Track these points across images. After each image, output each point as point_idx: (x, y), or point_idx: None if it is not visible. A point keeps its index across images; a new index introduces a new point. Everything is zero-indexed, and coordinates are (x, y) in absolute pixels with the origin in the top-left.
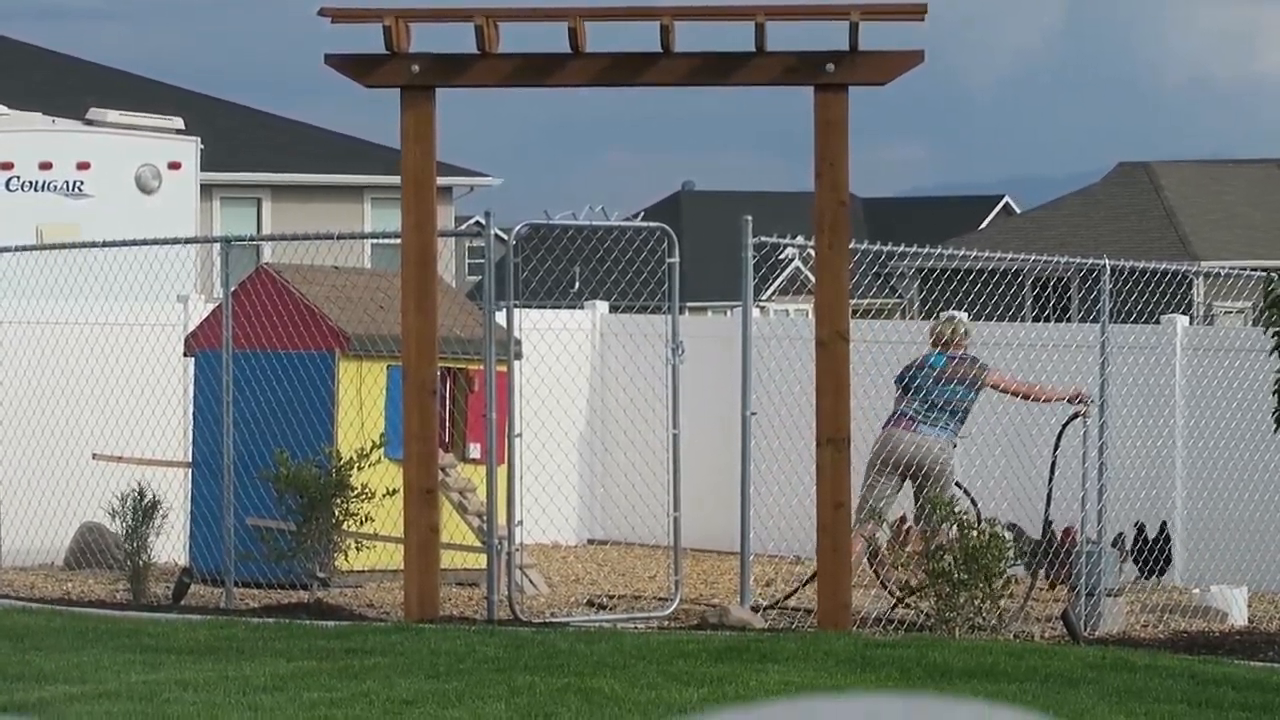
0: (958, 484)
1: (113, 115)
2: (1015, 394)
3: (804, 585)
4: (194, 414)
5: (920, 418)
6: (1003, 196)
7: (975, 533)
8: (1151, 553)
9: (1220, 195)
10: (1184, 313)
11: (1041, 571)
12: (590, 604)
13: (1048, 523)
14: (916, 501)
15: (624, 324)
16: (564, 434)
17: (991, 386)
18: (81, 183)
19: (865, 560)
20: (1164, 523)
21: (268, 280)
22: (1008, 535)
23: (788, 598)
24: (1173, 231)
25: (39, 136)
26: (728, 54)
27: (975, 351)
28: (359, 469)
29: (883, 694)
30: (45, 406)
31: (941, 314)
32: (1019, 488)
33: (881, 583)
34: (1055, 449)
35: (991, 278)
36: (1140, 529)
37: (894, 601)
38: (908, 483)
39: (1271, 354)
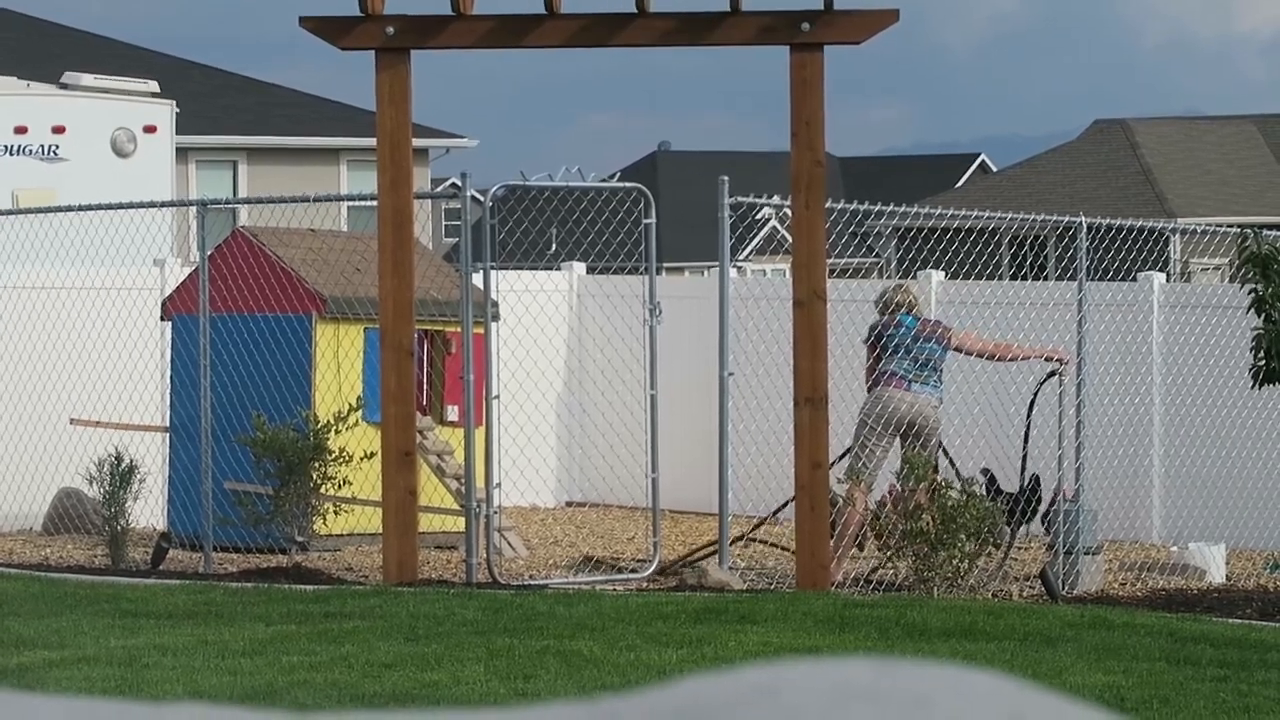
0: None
1: (88, 79)
2: (981, 354)
3: (702, 550)
4: (171, 378)
5: (912, 376)
6: (979, 155)
7: (953, 492)
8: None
9: (1197, 153)
10: (1161, 270)
11: (1020, 527)
12: (589, 559)
13: (1022, 478)
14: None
15: (601, 285)
16: (542, 396)
17: (956, 348)
18: (57, 147)
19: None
20: (1035, 475)
21: (244, 243)
22: (981, 479)
23: (687, 560)
24: (1149, 189)
25: (13, 100)
26: (703, 14)
27: (954, 311)
28: (336, 432)
29: (857, 658)
30: (22, 371)
31: (900, 280)
32: (997, 447)
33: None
34: (1030, 407)
35: (968, 236)
36: (991, 479)
37: (875, 563)
38: (897, 442)
39: (1248, 311)
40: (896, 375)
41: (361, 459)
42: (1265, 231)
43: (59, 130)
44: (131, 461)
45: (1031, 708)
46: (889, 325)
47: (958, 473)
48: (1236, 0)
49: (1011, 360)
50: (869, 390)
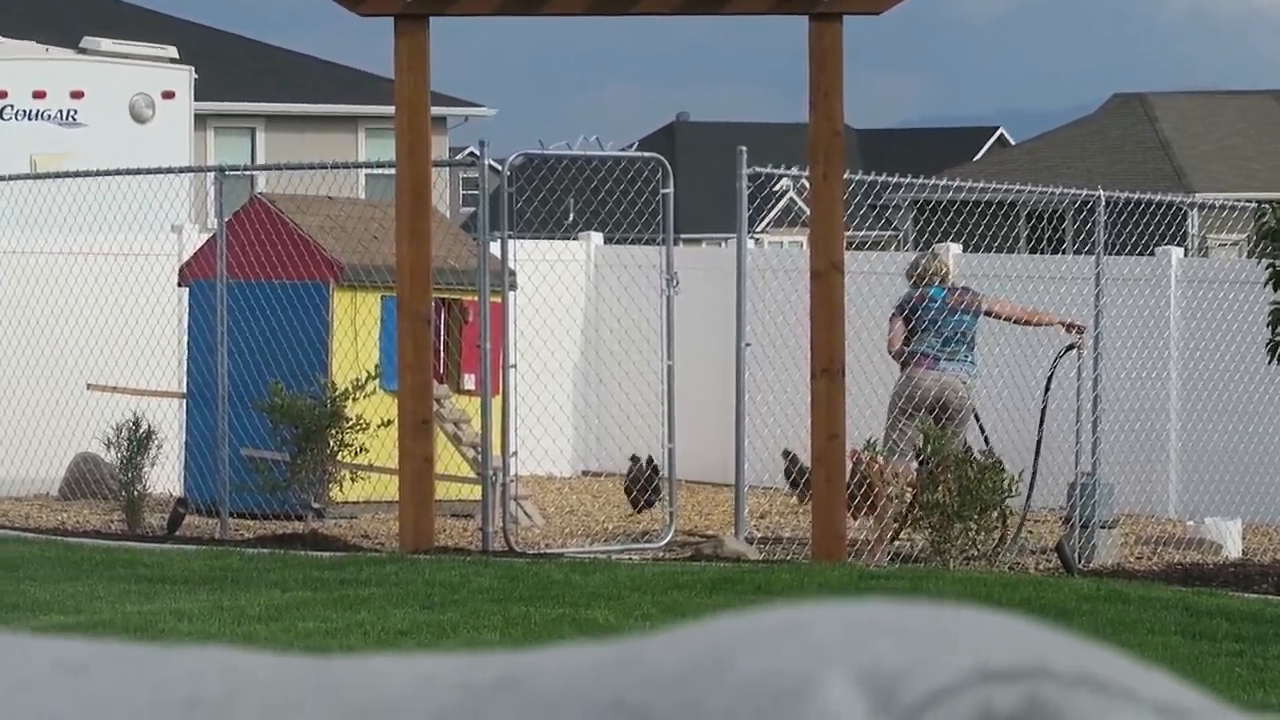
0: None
1: (106, 44)
2: (1010, 318)
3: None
4: (188, 344)
5: (939, 353)
6: (997, 128)
7: (971, 466)
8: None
9: (1216, 127)
10: (1179, 245)
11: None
12: (622, 530)
13: (1037, 452)
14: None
15: (619, 255)
16: (558, 365)
17: (987, 313)
18: (75, 112)
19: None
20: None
21: (262, 210)
22: (782, 461)
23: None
24: (1168, 163)
25: (33, 65)
26: None
27: (971, 285)
28: (353, 400)
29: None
30: (40, 337)
31: (923, 251)
32: (1017, 418)
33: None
34: (1048, 381)
35: (986, 209)
36: (791, 459)
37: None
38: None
39: (1265, 285)
40: (925, 355)
41: (378, 426)
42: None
43: (77, 95)
44: (149, 427)
45: (1054, 648)
46: (919, 301)
47: (989, 447)
48: None
49: (1037, 325)
50: (900, 370)
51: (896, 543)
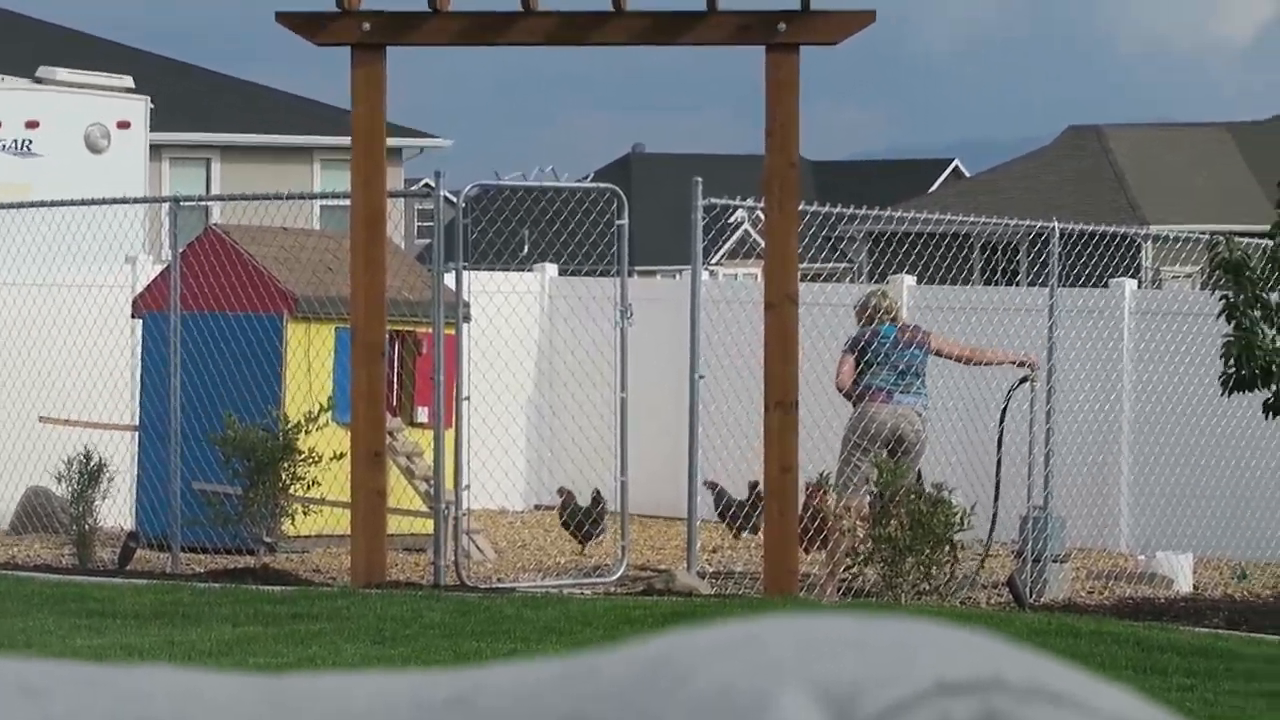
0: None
1: (62, 74)
2: (958, 358)
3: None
4: (141, 376)
5: (893, 386)
6: (952, 160)
7: (920, 498)
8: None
9: (1170, 159)
10: (1132, 276)
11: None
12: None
13: (997, 488)
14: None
15: (573, 287)
16: (512, 397)
17: (936, 352)
18: (30, 141)
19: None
20: (754, 482)
21: (216, 241)
22: (709, 491)
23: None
24: (1122, 195)
25: None
26: (679, 13)
27: (925, 317)
28: (306, 432)
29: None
30: None
31: (875, 286)
32: (971, 452)
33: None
34: (1002, 413)
35: (940, 241)
36: (718, 492)
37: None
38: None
39: (1218, 317)
40: (880, 389)
41: (331, 459)
42: (1236, 239)
43: (32, 125)
44: (100, 460)
45: (1008, 661)
46: (870, 338)
47: (919, 479)
48: (1209, 9)
49: (985, 364)
50: (853, 405)
51: (847, 576)
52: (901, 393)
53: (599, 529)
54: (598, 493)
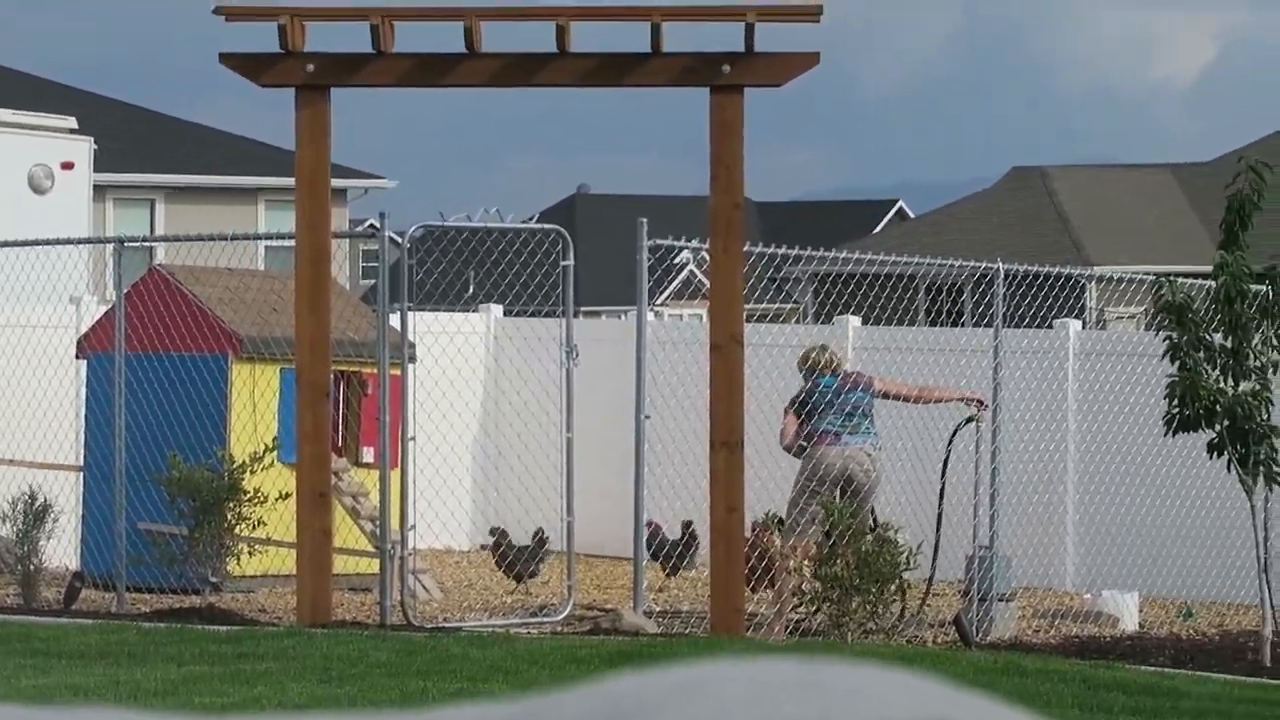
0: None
1: (5, 114)
2: (906, 398)
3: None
4: (86, 417)
5: (840, 429)
6: (897, 201)
7: (869, 538)
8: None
9: (1114, 200)
10: (1077, 317)
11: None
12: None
13: (938, 527)
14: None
15: (518, 327)
16: (457, 438)
17: (882, 394)
18: None
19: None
20: (689, 522)
21: (160, 282)
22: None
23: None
24: (1066, 236)
25: None
26: (624, 54)
27: (870, 357)
28: (251, 472)
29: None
30: None
31: (810, 341)
32: (918, 491)
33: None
34: (947, 451)
35: (886, 282)
36: (655, 530)
37: (789, 607)
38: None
39: (1162, 358)
40: (827, 432)
41: (276, 499)
42: (1180, 280)
43: None
44: (45, 500)
45: (957, 706)
46: (813, 389)
47: (875, 521)
48: (1153, 51)
49: (934, 402)
50: (800, 452)
51: (794, 616)
52: (849, 434)
53: (533, 568)
54: (540, 531)
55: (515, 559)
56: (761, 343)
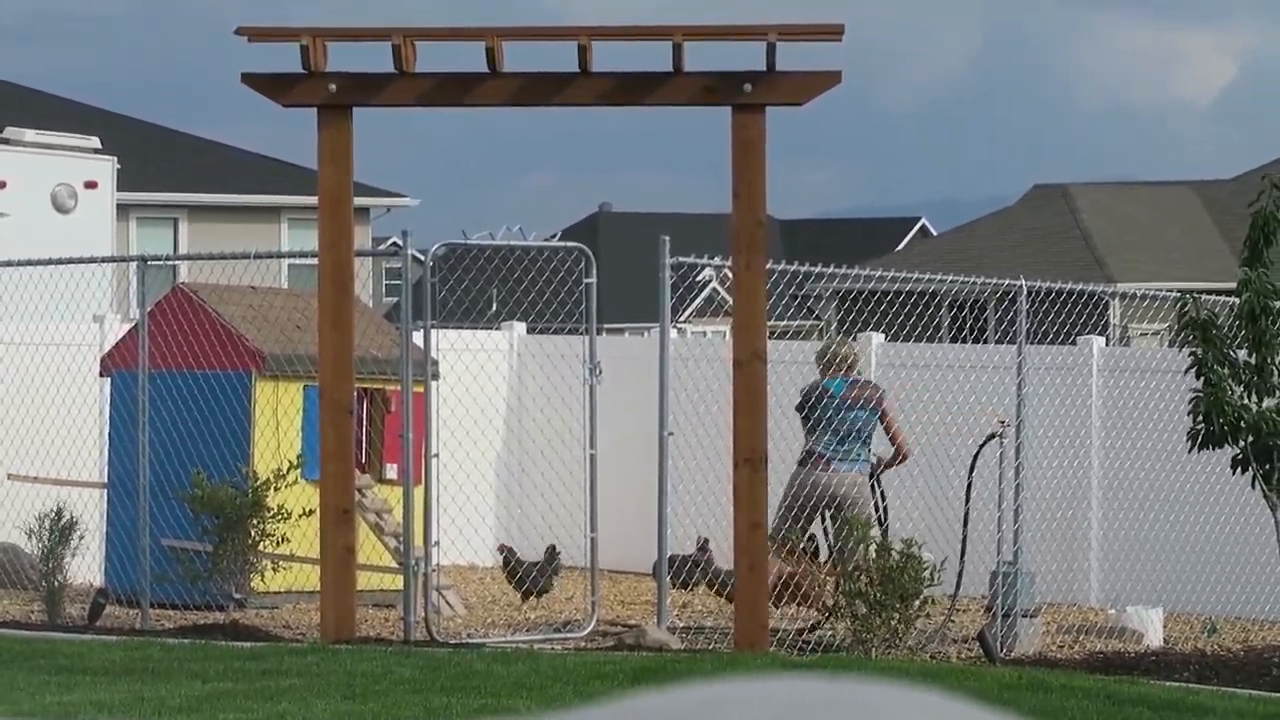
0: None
1: (29, 134)
2: (891, 436)
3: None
4: (110, 434)
5: (833, 454)
6: (919, 219)
7: (893, 554)
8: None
9: (1135, 217)
10: (1100, 334)
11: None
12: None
13: (964, 542)
14: (835, 529)
15: (541, 345)
16: (481, 455)
17: (883, 424)
18: None
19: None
20: (703, 538)
21: (184, 300)
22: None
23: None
24: (1089, 253)
25: None
26: (645, 74)
27: (894, 374)
28: (275, 490)
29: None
30: None
31: (831, 336)
32: (937, 509)
33: (805, 602)
34: (971, 470)
35: (908, 299)
36: (552, 551)
37: (812, 623)
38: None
39: (1185, 373)
40: (821, 456)
41: (300, 516)
42: (1204, 296)
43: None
44: (70, 517)
45: None
46: (820, 395)
47: (885, 534)
48: (1173, 68)
49: (896, 454)
50: (798, 464)
51: (796, 622)
52: (840, 460)
53: (541, 584)
54: (552, 548)
55: (524, 575)
56: (783, 360)
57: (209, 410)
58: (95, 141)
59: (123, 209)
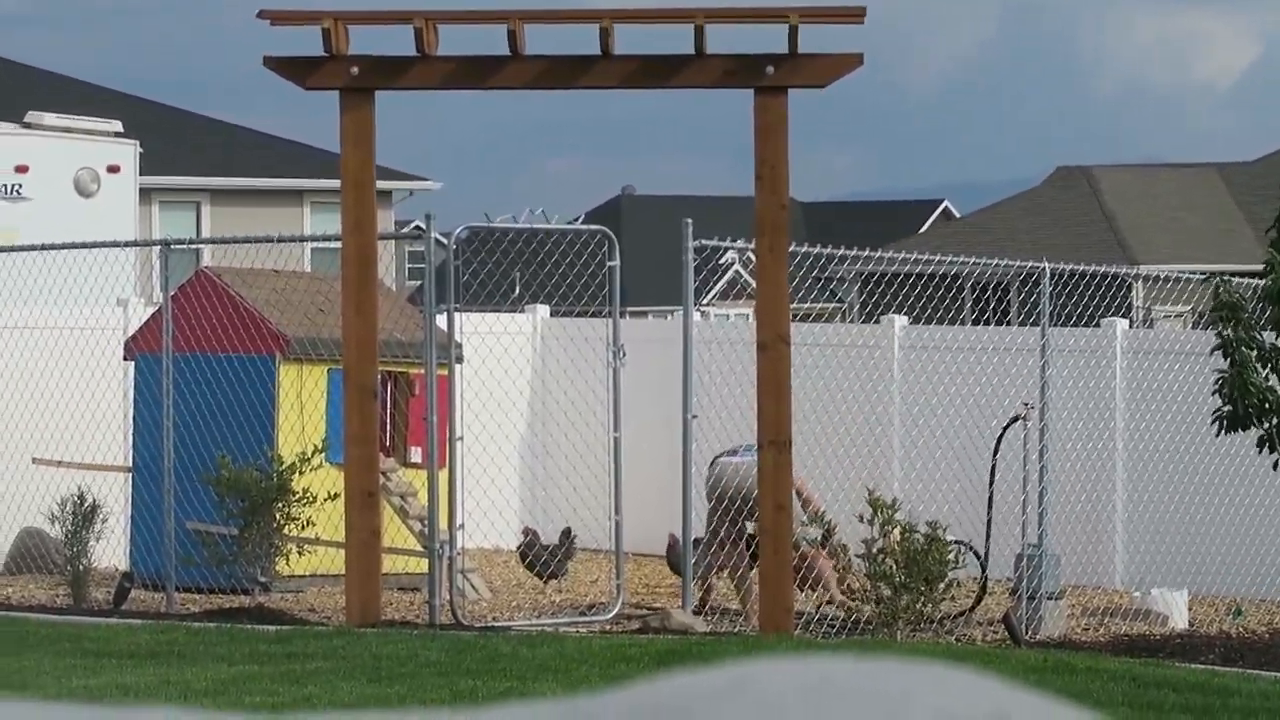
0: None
1: (51, 118)
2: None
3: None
4: (134, 418)
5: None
6: (942, 201)
7: (920, 536)
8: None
9: (1158, 199)
10: (1124, 316)
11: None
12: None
13: (988, 524)
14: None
15: (565, 327)
16: (505, 437)
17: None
18: (20, 186)
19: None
20: (568, 528)
21: (207, 283)
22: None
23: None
24: (1111, 235)
25: None
26: (667, 56)
27: (916, 357)
28: (300, 473)
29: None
30: None
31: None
32: (961, 492)
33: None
34: (995, 452)
35: (931, 281)
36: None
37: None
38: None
39: (1212, 354)
40: (733, 451)
41: (325, 500)
42: (1231, 279)
43: (22, 170)
44: (94, 501)
45: (1015, 705)
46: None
47: (826, 525)
48: (1195, 51)
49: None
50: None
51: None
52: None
53: (552, 568)
54: (567, 531)
55: (535, 559)
56: (805, 342)
57: (233, 393)
58: (117, 125)
59: (145, 193)
